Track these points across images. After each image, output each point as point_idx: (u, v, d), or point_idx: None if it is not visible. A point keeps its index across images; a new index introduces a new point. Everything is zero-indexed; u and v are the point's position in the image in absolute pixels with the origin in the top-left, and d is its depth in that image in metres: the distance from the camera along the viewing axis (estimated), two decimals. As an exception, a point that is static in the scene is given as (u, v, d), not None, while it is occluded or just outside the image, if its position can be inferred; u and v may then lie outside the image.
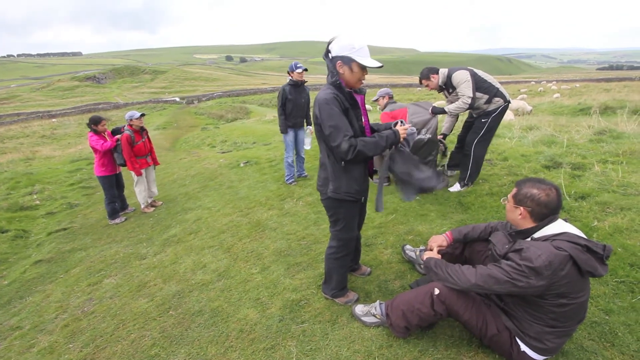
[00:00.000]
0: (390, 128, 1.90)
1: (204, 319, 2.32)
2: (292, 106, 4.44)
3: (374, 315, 2.02)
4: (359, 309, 2.10)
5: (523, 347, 1.58)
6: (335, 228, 2.07)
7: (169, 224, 4.33)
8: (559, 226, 1.50)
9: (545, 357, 1.58)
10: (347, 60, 1.72)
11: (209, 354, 2.01)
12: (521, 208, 1.57)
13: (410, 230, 3.05)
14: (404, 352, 1.82)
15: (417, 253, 2.51)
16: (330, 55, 1.75)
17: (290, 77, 4.44)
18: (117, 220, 4.75)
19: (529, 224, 1.57)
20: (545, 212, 1.52)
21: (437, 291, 1.70)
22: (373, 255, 2.76)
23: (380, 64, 1.77)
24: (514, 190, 1.62)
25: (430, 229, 3.04)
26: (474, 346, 1.80)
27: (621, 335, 1.78)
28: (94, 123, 4.49)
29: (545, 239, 1.48)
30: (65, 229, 4.92)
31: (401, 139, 1.84)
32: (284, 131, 4.58)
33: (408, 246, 2.66)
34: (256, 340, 2.06)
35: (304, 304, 2.31)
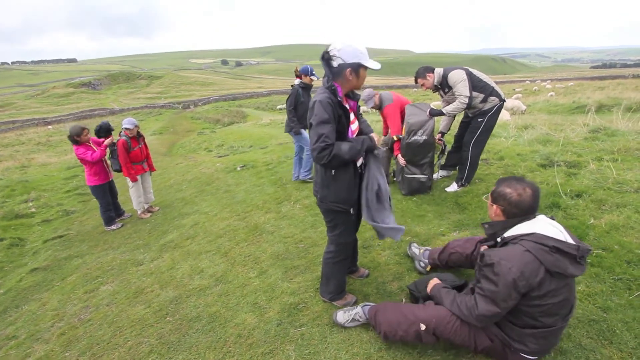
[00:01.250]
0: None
1: (202, 324, 2.31)
2: (304, 109, 4.45)
3: (358, 321, 2.02)
4: (341, 317, 2.05)
5: (514, 349, 1.58)
6: (333, 233, 2.06)
7: (166, 229, 4.31)
8: (529, 226, 1.49)
9: (538, 357, 1.58)
10: (357, 67, 1.73)
11: (207, 360, 2.00)
12: (494, 206, 1.59)
13: (407, 232, 3.05)
14: (402, 355, 1.82)
15: (421, 251, 2.52)
16: (333, 62, 1.73)
17: (300, 80, 4.43)
18: (114, 227, 4.72)
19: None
20: (516, 212, 1.52)
21: (423, 327, 1.68)
22: (371, 257, 2.75)
23: (379, 65, 1.80)
24: (494, 187, 1.64)
25: (427, 230, 3.04)
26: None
27: (619, 332, 1.78)
28: (76, 135, 4.29)
29: (514, 238, 1.49)
30: (61, 237, 4.88)
31: (377, 143, 1.87)
32: (297, 132, 4.57)
33: (415, 244, 2.66)
34: (254, 345, 2.04)
35: (302, 307, 2.29)
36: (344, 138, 1.82)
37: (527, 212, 1.52)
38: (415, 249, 2.58)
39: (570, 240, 1.44)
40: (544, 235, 1.43)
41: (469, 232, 2.90)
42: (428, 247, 2.56)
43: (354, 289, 2.39)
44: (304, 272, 2.70)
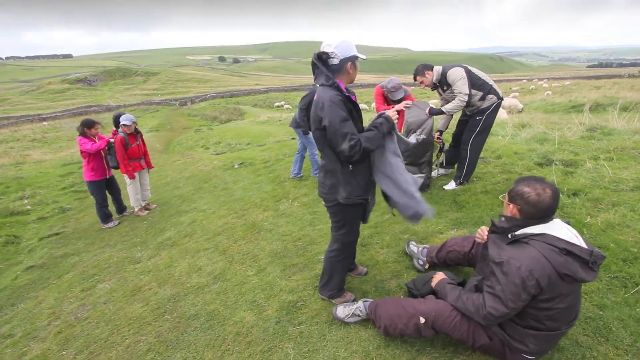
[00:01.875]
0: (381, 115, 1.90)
1: (200, 322, 2.30)
2: None
3: (359, 316, 2.03)
4: (341, 311, 2.07)
5: (514, 348, 1.59)
6: (339, 232, 2.06)
7: (164, 227, 4.29)
8: (543, 227, 1.47)
9: (536, 357, 1.59)
10: (354, 59, 1.80)
11: (206, 358, 1.99)
12: (511, 205, 1.56)
13: (405, 230, 3.05)
14: (401, 352, 1.82)
15: (420, 249, 2.53)
16: (333, 60, 1.76)
17: None
18: (111, 224, 4.69)
19: None
20: (533, 212, 1.48)
21: (422, 320, 1.69)
22: (369, 255, 2.76)
23: (365, 55, 1.90)
24: (512, 186, 1.62)
25: (425, 228, 3.04)
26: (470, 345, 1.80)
27: (615, 330, 1.80)
28: (87, 126, 4.36)
29: (524, 237, 1.48)
30: (57, 234, 4.85)
31: (395, 120, 1.87)
32: (306, 132, 4.63)
33: (413, 242, 2.67)
34: (253, 343, 2.04)
35: (300, 305, 2.30)
36: (359, 131, 1.84)
37: (545, 213, 1.47)
38: (414, 247, 2.59)
39: (584, 245, 1.42)
40: (555, 237, 1.41)
41: (466, 230, 2.91)
42: (426, 245, 2.57)
43: (353, 286, 2.40)
44: (302, 270, 2.70)
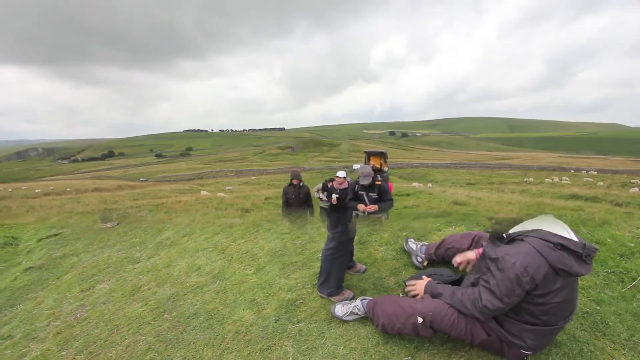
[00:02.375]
0: None
1: (199, 321, 2.30)
2: None
3: (357, 314, 2.03)
4: (339, 310, 2.08)
5: (512, 343, 1.60)
6: (335, 230, 2.09)
7: (162, 227, 4.28)
8: (536, 223, 1.49)
9: (534, 352, 1.59)
10: None
11: (205, 357, 2.00)
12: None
13: (404, 227, 3.06)
14: (400, 349, 1.83)
15: (418, 246, 2.53)
16: None
17: None
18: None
19: None
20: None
21: (420, 320, 1.69)
22: (368, 252, 2.76)
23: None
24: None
25: (423, 226, 3.05)
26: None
27: (612, 324, 1.81)
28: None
29: (519, 234, 1.50)
30: (56, 235, 4.84)
31: None
32: None
33: (411, 239, 2.68)
34: (252, 341, 2.05)
35: (299, 303, 2.30)
36: None
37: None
38: (412, 244, 2.59)
39: (575, 239, 1.43)
40: (549, 232, 1.43)
41: (464, 227, 2.91)
42: (425, 243, 2.57)
43: (351, 284, 2.40)
44: (301, 269, 2.70)
